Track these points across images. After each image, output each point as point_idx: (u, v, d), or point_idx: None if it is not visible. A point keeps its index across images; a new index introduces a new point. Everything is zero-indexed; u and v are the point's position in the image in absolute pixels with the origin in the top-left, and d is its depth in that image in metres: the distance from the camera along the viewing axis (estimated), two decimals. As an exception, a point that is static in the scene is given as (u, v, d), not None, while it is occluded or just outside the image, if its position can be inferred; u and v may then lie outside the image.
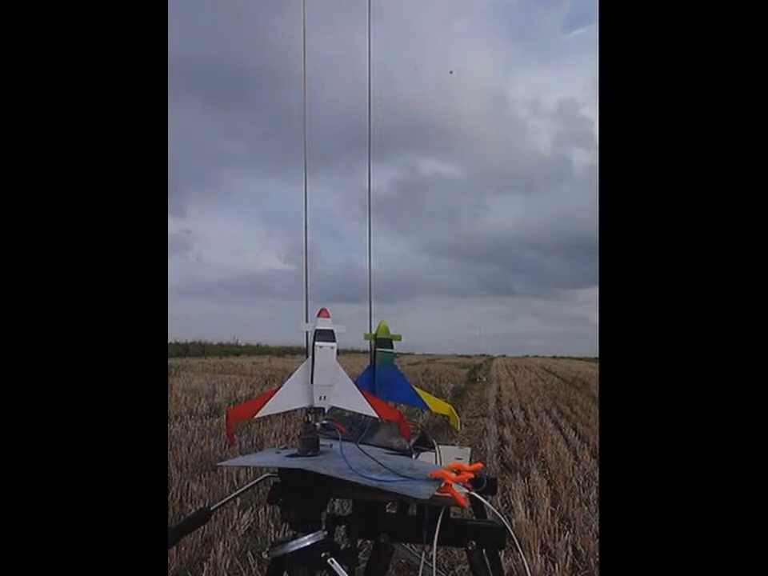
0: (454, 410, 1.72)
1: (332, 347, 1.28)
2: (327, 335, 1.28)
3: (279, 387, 1.33)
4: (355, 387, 1.38)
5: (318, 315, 1.30)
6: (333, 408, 1.33)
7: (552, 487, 3.92)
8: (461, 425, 5.50)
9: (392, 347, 1.64)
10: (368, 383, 1.59)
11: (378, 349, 1.62)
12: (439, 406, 1.72)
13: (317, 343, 1.27)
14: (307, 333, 1.31)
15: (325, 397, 1.29)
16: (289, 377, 1.33)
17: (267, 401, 1.31)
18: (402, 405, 1.65)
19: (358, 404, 1.36)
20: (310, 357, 1.29)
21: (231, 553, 2.58)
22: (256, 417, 1.34)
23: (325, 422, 1.33)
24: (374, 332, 1.64)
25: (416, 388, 1.69)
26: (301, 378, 1.31)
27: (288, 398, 1.31)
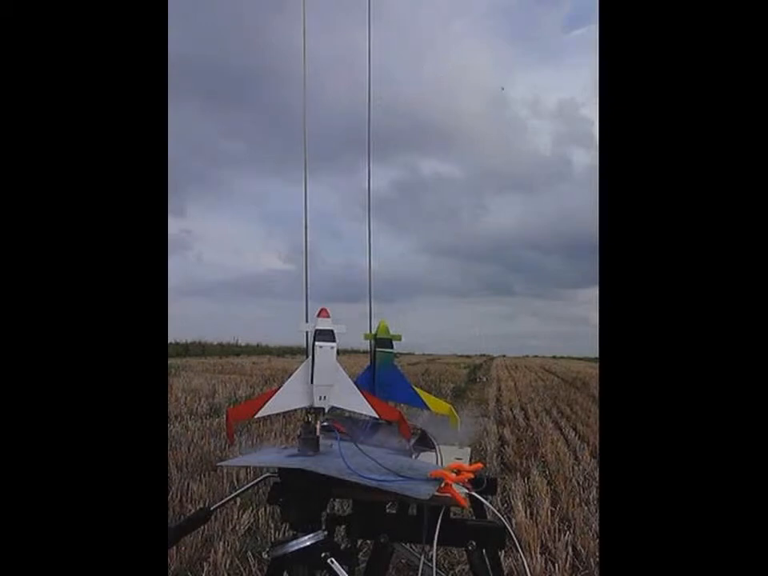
0: (454, 409, 1.72)
1: (332, 347, 1.28)
2: (327, 335, 1.28)
3: (279, 387, 1.33)
4: (355, 387, 1.37)
5: (318, 315, 1.30)
6: (333, 408, 1.33)
7: (552, 487, 3.92)
8: (461, 425, 5.48)
9: (392, 347, 1.64)
10: (368, 383, 1.59)
11: (377, 349, 1.62)
12: (439, 405, 1.72)
13: (317, 343, 1.27)
14: (307, 333, 1.31)
15: (325, 397, 1.29)
16: (289, 377, 1.33)
17: (267, 401, 1.31)
18: (401, 405, 1.65)
19: (358, 404, 1.36)
20: (310, 357, 1.29)
21: (231, 553, 2.58)
22: (256, 417, 1.34)
23: (325, 423, 1.33)
24: (373, 332, 1.64)
25: (416, 388, 1.69)
26: (301, 378, 1.31)
27: (288, 398, 1.31)
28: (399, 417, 1.42)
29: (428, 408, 1.69)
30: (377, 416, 1.40)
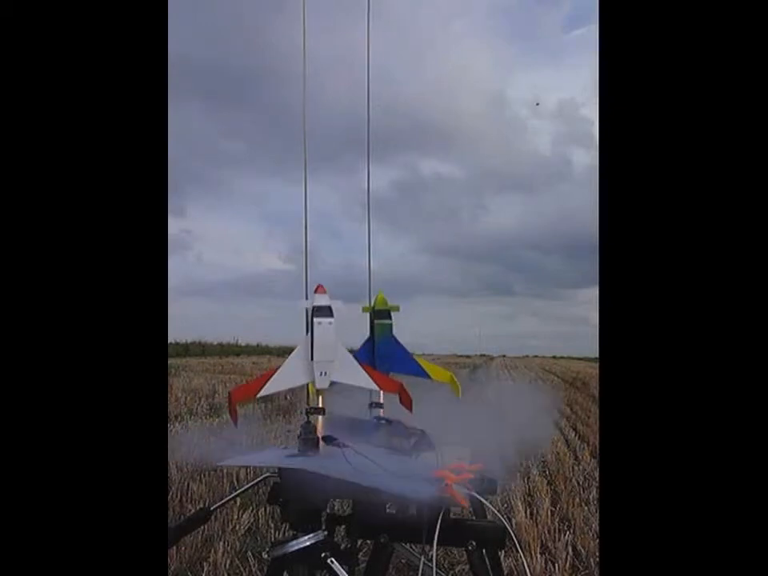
0: (455, 377, 1.71)
1: (330, 322, 1.27)
2: (325, 311, 1.27)
3: (280, 366, 1.31)
4: (355, 362, 1.36)
5: (315, 291, 1.29)
6: (333, 383, 1.32)
7: (552, 487, 3.92)
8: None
9: (390, 318, 1.63)
10: (367, 355, 1.58)
11: (376, 321, 1.61)
12: (440, 373, 1.71)
13: (315, 319, 1.26)
14: (307, 310, 1.30)
15: (326, 372, 1.28)
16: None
17: (269, 380, 1.30)
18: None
19: (359, 378, 1.34)
20: (309, 333, 1.28)
21: (231, 553, 2.58)
22: (259, 396, 1.32)
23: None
24: (372, 304, 1.63)
25: (416, 357, 1.68)
26: (301, 355, 1.29)
27: (289, 375, 1.30)
28: (399, 388, 1.41)
29: (429, 377, 1.68)
30: (378, 389, 1.39)
